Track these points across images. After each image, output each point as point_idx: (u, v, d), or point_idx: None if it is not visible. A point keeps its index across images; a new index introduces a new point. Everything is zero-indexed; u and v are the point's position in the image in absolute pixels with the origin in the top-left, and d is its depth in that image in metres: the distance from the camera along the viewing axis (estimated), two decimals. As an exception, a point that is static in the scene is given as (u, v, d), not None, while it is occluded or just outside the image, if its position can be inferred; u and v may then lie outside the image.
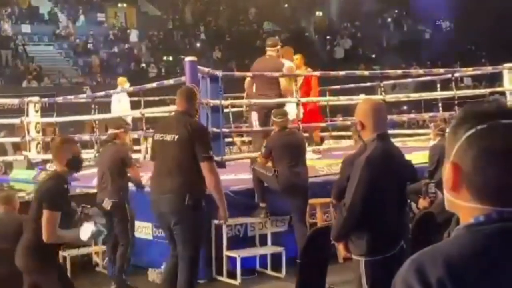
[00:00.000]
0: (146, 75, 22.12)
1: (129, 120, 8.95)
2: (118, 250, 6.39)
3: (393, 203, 3.48)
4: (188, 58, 7.53)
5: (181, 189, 4.93)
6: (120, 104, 10.48)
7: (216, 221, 5.96)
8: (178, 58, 21.46)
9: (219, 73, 8.23)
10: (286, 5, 30.25)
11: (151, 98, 11.13)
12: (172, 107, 9.62)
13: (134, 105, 10.26)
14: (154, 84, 9.51)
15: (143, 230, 7.11)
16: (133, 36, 25.55)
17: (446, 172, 1.39)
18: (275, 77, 8.02)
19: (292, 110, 8.52)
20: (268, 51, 8.46)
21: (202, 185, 5.00)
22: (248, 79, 8.40)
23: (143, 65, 24.00)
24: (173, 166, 5.01)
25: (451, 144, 1.38)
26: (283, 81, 8.22)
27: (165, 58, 24.84)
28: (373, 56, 27.11)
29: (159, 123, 5.84)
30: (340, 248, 3.55)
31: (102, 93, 10.83)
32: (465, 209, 1.37)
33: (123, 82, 11.10)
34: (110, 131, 6.99)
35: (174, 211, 4.97)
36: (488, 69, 12.10)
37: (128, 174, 6.45)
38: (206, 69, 7.96)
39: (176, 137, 4.98)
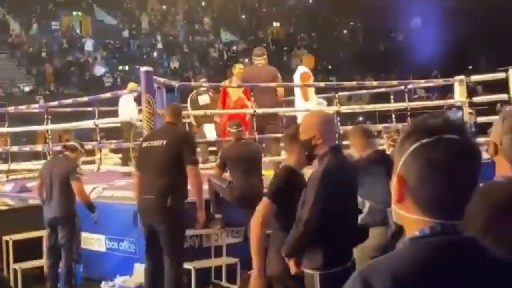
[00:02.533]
0: (101, 85, 21.87)
1: (136, 122, 8.84)
2: (65, 264, 6.30)
3: (348, 215, 3.48)
4: (143, 68, 7.48)
5: (164, 191, 5.22)
6: (128, 109, 10.31)
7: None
8: (134, 67, 21.29)
9: (175, 83, 8.22)
10: (243, 16, 30.35)
11: (106, 108, 10.99)
12: (128, 118, 9.58)
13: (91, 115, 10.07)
14: (108, 94, 9.40)
15: (96, 242, 7.01)
16: (88, 45, 25.25)
17: (393, 184, 1.41)
18: (272, 85, 8.18)
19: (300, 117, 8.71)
20: (256, 60, 8.59)
21: (185, 188, 5.28)
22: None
23: (98, 74, 23.73)
24: (159, 169, 5.32)
25: (398, 157, 1.40)
26: (280, 89, 8.48)
27: (121, 67, 24.61)
28: (329, 67, 27.40)
29: (147, 134, 6.23)
30: (291, 264, 3.48)
31: (56, 102, 10.65)
32: (411, 221, 1.38)
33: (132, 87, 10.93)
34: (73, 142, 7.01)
35: (158, 211, 5.27)
36: (440, 81, 12.35)
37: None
38: (162, 79, 7.93)
39: (165, 141, 5.35)
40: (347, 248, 3.47)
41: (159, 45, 26.91)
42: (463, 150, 1.36)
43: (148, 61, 22.52)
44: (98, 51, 25.02)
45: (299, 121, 8.76)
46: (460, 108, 10.23)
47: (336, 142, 3.58)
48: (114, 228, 6.81)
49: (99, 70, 23.52)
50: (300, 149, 3.82)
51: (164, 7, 29.28)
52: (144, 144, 5.59)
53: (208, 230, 6.54)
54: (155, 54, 26.27)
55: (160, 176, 5.29)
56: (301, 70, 9.32)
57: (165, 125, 5.79)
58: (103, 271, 6.81)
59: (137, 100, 9.90)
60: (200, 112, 9.01)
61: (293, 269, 3.48)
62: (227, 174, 6.61)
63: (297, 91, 9.35)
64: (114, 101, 11.34)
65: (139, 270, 6.00)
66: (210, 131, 9.59)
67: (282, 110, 8.93)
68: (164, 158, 5.33)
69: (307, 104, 8.89)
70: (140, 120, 7.12)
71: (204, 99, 9.83)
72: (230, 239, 6.68)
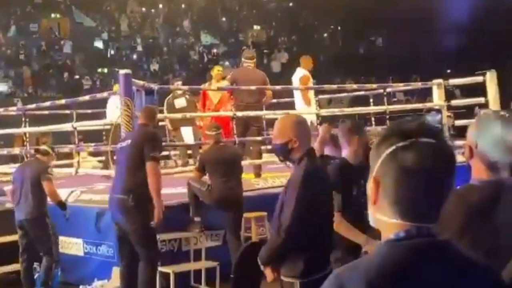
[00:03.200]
0: (80, 87, 21.71)
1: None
2: (45, 265, 6.29)
3: (326, 220, 3.47)
4: (122, 71, 7.44)
5: (126, 190, 5.36)
6: (117, 110, 10.20)
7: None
8: (113, 70, 21.16)
9: (154, 86, 8.19)
10: (223, 19, 30.34)
11: (84, 111, 10.90)
12: (107, 120, 9.52)
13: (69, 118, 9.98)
14: (87, 97, 9.33)
15: (74, 246, 6.96)
16: (67, 47, 25.05)
17: (369, 188, 1.41)
18: (261, 88, 8.18)
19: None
20: (245, 63, 8.60)
21: (146, 187, 5.30)
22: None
23: (77, 76, 23.55)
24: (123, 168, 5.53)
25: (374, 161, 1.41)
26: (269, 92, 8.61)
27: (99, 70, 24.46)
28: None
29: (123, 136, 6.34)
30: (268, 271, 3.42)
31: (33, 105, 10.55)
32: (387, 224, 1.39)
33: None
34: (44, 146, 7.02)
35: (121, 211, 5.41)
36: (418, 84, 12.43)
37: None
38: (141, 82, 7.90)
39: (130, 141, 5.52)
40: (326, 253, 3.45)
41: (139, 48, 26.79)
42: (438, 153, 1.36)
43: (127, 63, 22.37)
44: (77, 54, 24.84)
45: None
46: (439, 111, 10.31)
47: (311, 145, 3.55)
48: (92, 232, 6.76)
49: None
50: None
51: (143, 9, 29.15)
52: (118, 146, 5.81)
53: (187, 234, 6.52)
54: (134, 56, 26.15)
55: (124, 176, 5.47)
56: (300, 73, 9.36)
57: (138, 127, 5.94)
58: (81, 275, 6.77)
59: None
60: (178, 115, 8.99)
61: (270, 277, 3.42)
62: (206, 177, 6.60)
63: (296, 94, 9.42)
64: (93, 104, 11.25)
65: (117, 274, 5.95)
66: (187, 134, 9.56)
67: (262, 113, 8.91)
68: (128, 157, 5.49)
69: (308, 108, 8.99)
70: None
71: (180, 102, 9.80)
72: (209, 243, 6.66)
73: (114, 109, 10.06)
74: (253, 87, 8.32)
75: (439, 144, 1.37)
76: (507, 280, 1.47)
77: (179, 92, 9.90)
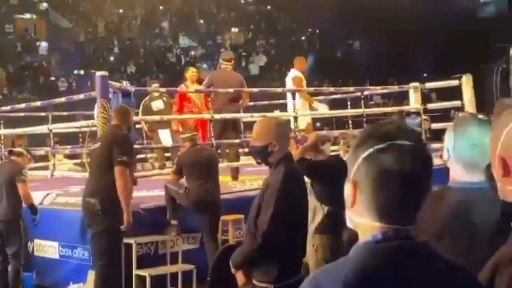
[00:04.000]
0: (56, 89, 21.51)
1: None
2: (12, 269, 6.25)
3: (302, 226, 3.47)
4: (99, 73, 7.38)
5: (94, 193, 5.37)
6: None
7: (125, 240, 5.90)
8: (90, 72, 21.00)
9: (131, 88, 8.15)
10: (201, 21, 30.29)
11: (60, 113, 10.81)
12: (83, 122, 9.45)
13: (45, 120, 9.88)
14: (63, 99, 9.24)
15: (50, 249, 6.89)
16: (43, 48, 24.81)
17: (347, 190, 1.41)
18: (238, 91, 8.17)
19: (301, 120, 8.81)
20: (223, 64, 8.58)
21: (114, 191, 5.24)
22: (203, 95, 8.49)
23: (53, 78, 23.33)
24: (92, 172, 5.59)
25: (351, 163, 1.41)
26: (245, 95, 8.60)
27: (76, 72, 24.26)
28: (288, 73, 27.53)
29: (97, 138, 6.37)
30: (240, 275, 3.40)
31: (8, 107, 10.42)
32: (364, 226, 1.39)
33: None
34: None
35: (87, 215, 5.45)
36: (395, 88, 12.53)
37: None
38: (118, 84, 7.85)
39: (99, 144, 5.51)
40: (300, 258, 3.44)
41: (116, 49, 26.64)
42: (415, 156, 1.36)
43: (104, 65, 22.23)
44: (53, 55, 24.62)
45: (292, 125, 8.90)
46: (418, 114, 10.39)
47: (289, 149, 3.54)
48: (68, 235, 6.70)
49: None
50: None
51: (121, 10, 28.99)
52: (91, 147, 5.81)
53: (164, 237, 6.49)
54: (111, 58, 25.99)
55: (93, 178, 5.50)
56: (293, 74, 9.43)
57: (110, 128, 5.94)
58: (56, 278, 6.72)
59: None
60: (156, 118, 8.95)
61: (241, 281, 3.39)
62: (184, 180, 6.57)
63: (289, 95, 9.47)
64: (69, 106, 11.16)
65: (93, 277, 5.90)
66: (165, 137, 9.51)
67: (240, 116, 8.90)
68: (97, 160, 5.51)
69: (302, 109, 9.04)
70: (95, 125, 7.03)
71: (157, 104, 9.77)
72: (186, 246, 6.64)
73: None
74: (230, 90, 8.31)
75: (416, 147, 1.38)
76: (482, 282, 1.48)
77: (156, 94, 9.86)
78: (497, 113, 3.32)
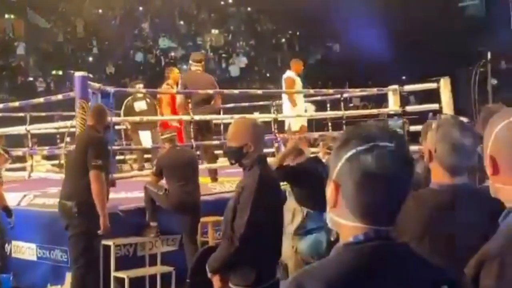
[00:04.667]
0: (34, 90, 21.31)
1: None
2: None
3: (278, 228, 3.46)
4: (78, 73, 7.33)
5: (70, 196, 5.35)
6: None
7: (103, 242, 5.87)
8: (68, 72, 20.85)
9: (110, 89, 8.11)
10: (181, 22, 30.20)
11: (38, 114, 10.71)
12: (61, 123, 9.37)
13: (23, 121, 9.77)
14: (41, 99, 9.16)
15: (27, 251, 6.82)
16: (21, 48, 24.57)
17: (329, 191, 1.42)
18: (211, 93, 8.14)
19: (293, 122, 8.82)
20: (193, 66, 8.51)
21: (91, 193, 5.25)
22: (181, 96, 8.41)
23: (31, 79, 23.12)
24: (68, 174, 5.56)
25: (333, 164, 1.41)
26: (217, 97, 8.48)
27: (54, 72, 24.07)
28: (268, 75, 27.54)
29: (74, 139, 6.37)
30: (216, 280, 3.37)
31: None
32: (346, 227, 1.40)
33: None
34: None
35: (63, 217, 5.43)
36: (374, 90, 12.60)
37: None
38: (97, 85, 7.80)
39: (74, 146, 5.54)
40: (275, 260, 3.44)
41: (95, 50, 26.47)
42: (397, 157, 1.38)
43: (83, 66, 22.06)
44: (31, 55, 24.40)
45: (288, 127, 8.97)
46: (400, 116, 10.46)
47: (263, 151, 3.54)
48: (46, 236, 6.64)
49: None
50: None
51: (100, 11, 28.80)
52: (67, 149, 5.88)
53: (142, 239, 6.46)
54: (90, 59, 25.81)
55: (69, 181, 5.48)
56: (286, 75, 9.51)
57: (85, 129, 5.91)
58: (33, 280, 6.66)
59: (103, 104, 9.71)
60: (135, 118, 8.91)
61: (217, 285, 3.36)
62: (164, 182, 6.55)
63: (285, 97, 9.51)
64: (47, 107, 11.05)
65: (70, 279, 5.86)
66: (146, 138, 9.47)
67: (220, 117, 8.88)
68: (73, 162, 5.52)
69: (295, 110, 9.06)
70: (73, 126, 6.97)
71: (140, 105, 9.71)
72: (165, 248, 6.61)
73: None
74: (210, 91, 8.30)
75: (398, 149, 1.39)
76: (468, 277, 1.51)
77: (140, 95, 9.81)
78: (483, 117, 3.39)
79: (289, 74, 9.66)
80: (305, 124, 9.90)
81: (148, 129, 9.48)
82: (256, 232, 3.21)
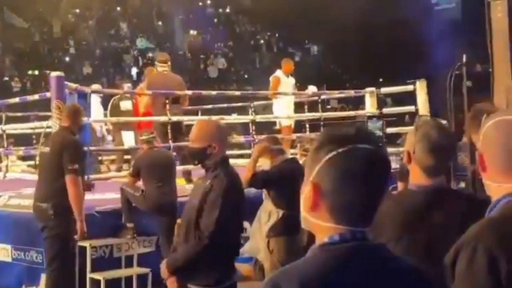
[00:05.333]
0: (10, 89, 21.09)
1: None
2: None
3: (240, 228, 3.54)
4: (54, 73, 7.27)
5: (46, 198, 5.30)
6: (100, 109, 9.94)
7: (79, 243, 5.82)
8: (45, 72, 20.67)
9: (87, 89, 8.07)
10: (160, 23, 30.08)
11: (14, 114, 10.60)
12: (37, 123, 9.29)
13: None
14: (17, 99, 9.07)
15: (1, 252, 6.74)
16: (-4, 48, 24.31)
17: (306, 192, 1.42)
18: (180, 94, 8.10)
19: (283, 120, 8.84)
20: (160, 67, 8.46)
21: (67, 196, 5.20)
22: (147, 98, 8.37)
23: (7, 78, 22.88)
24: (43, 176, 5.49)
25: (312, 165, 1.42)
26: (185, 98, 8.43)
27: (30, 72, 23.84)
28: (246, 76, 27.56)
29: (46, 140, 6.29)
30: (171, 281, 3.36)
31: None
32: (322, 228, 1.40)
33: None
34: None
35: (39, 219, 5.39)
36: (351, 92, 12.67)
37: None
38: (74, 85, 7.76)
39: (49, 149, 5.41)
40: (234, 261, 3.48)
41: (72, 50, 26.25)
42: (376, 159, 1.40)
43: (59, 66, 21.87)
44: (6, 55, 24.14)
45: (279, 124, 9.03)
46: (379, 118, 10.54)
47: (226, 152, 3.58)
48: (21, 238, 6.57)
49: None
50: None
51: (77, 11, 28.57)
52: (41, 149, 5.76)
53: (119, 240, 6.42)
54: (67, 59, 25.60)
55: (45, 183, 5.43)
56: (273, 75, 9.60)
57: (58, 130, 5.84)
58: (8, 281, 6.58)
59: (103, 103, 9.63)
60: (113, 119, 8.87)
61: (173, 287, 3.35)
62: (141, 183, 6.52)
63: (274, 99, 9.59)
64: (23, 107, 10.95)
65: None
66: (128, 138, 9.42)
67: (197, 118, 8.87)
68: (47, 164, 5.44)
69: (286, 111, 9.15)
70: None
71: (126, 104, 9.68)
72: (141, 249, 6.57)
73: (96, 108, 9.80)
74: (189, 92, 8.29)
75: (376, 150, 1.41)
76: (447, 265, 1.58)
77: (127, 94, 9.79)
78: (472, 116, 3.45)
79: (277, 73, 9.72)
80: (290, 125, 9.95)
81: (132, 130, 9.43)
82: (223, 231, 3.25)
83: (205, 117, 8.87)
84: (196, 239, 3.28)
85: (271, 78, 9.77)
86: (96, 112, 9.87)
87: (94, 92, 9.64)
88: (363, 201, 1.39)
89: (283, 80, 9.81)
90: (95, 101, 9.77)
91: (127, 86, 10.15)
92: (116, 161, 10.12)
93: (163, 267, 3.43)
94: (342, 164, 1.38)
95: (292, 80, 10.10)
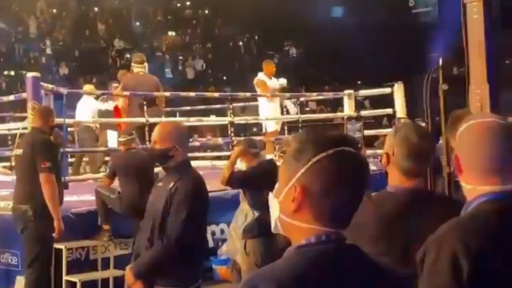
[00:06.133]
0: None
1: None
2: None
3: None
4: (30, 74, 7.20)
5: (23, 199, 5.31)
6: (85, 112, 9.81)
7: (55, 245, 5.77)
8: (21, 73, 20.48)
9: (63, 90, 8.00)
10: (137, 23, 29.94)
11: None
12: (13, 125, 9.18)
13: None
14: (-8, 100, 8.97)
15: (-25, 255, 6.65)
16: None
17: (286, 195, 1.41)
18: (154, 95, 8.05)
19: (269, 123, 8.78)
20: (136, 68, 8.41)
21: (43, 197, 5.21)
22: (123, 99, 8.31)
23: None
24: (20, 178, 5.49)
25: (294, 167, 1.40)
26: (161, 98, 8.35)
27: (6, 72, 23.58)
28: (224, 78, 27.54)
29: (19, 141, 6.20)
30: (138, 285, 3.30)
31: None
32: (301, 230, 1.40)
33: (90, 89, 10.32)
34: None
35: (19, 221, 5.37)
36: (330, 94, 12.73)
37: None
38: (50, 86, 7.69)
39: (22, 150, 5.39)
40: (202, 261, 3.55)
41: (48, 51, 26.01)
42: (359, 162, 1.42)
43: (36, 66, 21.66)
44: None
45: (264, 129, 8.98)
46: (359, 119, 10.58)
47: (188, 154, 3.59)
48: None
49: None
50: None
51: (54, 11, 28.32)
52: (14, 151, 5.76)
53: (95, 242, 6.37)
54: (43, 59, 25.36)
55: (22, 184, 5.42)
56: (256, 78, 9.53)
57: (31, 131, 5.79)
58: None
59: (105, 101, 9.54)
60: (89, 121, 8.81)
61: None
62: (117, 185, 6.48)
63: (260, 100, 9.53)
64: (-1, 107, 10.82)
65: (21, 283, 5.75)
66: (113, 138, 9.35)
67: (176, 120, 8.83)
68: (22, 166, 5.43)
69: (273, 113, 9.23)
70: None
71: (106, 105, 9.62)
72: (118, 251, 6.53)
73: (85, 110, 9.68)
74: (166, 93, 8.25)
75: (358, 153, 1.43)
76: (417, 261, 1.62)
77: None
78: (451, 121, 3.51)
79: (260, 76, 9.62)
80: (277, 128, 9.89)
81: (116, 130, 9.36)
82: (190, 234, 3.25)
83: (172, 119, 8.76)
84: (163, 242, 3.26)
85: (255, 82, 9.63)
86: (83, 112, 9.75)
87: (87, 93, 9.59)
88: (349, 203, 1.41)
89: (268, 82, 9.75)
90: (86, 103, 9.65)
91: (114, 85, 10.08)
92: (93, 162, 10.03)
93: (128, 273, 3.39)
94: (332, 166, 1.38)
95: (275, 82, 10.04)
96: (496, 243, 1.56)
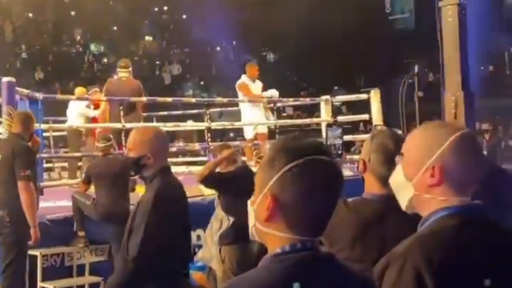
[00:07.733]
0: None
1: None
2: None
3: (180, 241, 3.16)
4: (5, 79, 7.12)
5: (1, 205, 5.24)
6: (75, 116, 9.68)
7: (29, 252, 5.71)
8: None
9: (39, 95, 7.94)
10: (114, 28, 29.80)
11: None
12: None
13: None
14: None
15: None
16: None
17: (259, 203, 1.41)
18: (135, 100, 7.99)
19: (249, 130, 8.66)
20: (121, 72, 8.37)
21: (20, 203, 5.15)
22: (105, 104, 8.26)
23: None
24: None
25: (267, 176, 1.40)
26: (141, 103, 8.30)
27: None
28: (202, 83, 27.53)
29: None
30: None
31: None
32: (276, 238, 1.40)
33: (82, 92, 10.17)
34: None
35: None
36: (307, 100, 12.77)
37: None
38: (26, 91, 7.61)
39: (0, 156, 5.30)
40: (179, 275, 3.18)
41: (24, 55, 25.78)
42: (333, 170, 1.41)
43: (11, 71, 21.46)
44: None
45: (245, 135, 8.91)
46: (339, 125, 10.60)
47: (167, 161, 3.28)
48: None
49: None
50: None
51: (30, 14, 28.09)
52: None
53: (70, 248, 6.31)
54: (18, 64, 25.12)
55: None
56: (239, 81, 9.45)
57: (9, 136, 5.75)
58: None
59: (88, 107, 9.44)
60: (64, 126, 8.75)
61: None
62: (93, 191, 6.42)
63: (242, 104, 9.48)
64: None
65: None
66: None
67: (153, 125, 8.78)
68: (0, 172, 5.35)
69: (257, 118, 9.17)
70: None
71: (87, 110, 9.54)
72: (93, 258, 6.46)
73: (73, 114, 9.55)
74: (144, 98, 8.22)
75: (333, 162, 1.42)
76: (375, 276, 1.59)
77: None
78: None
79: (243, 79, 9.58)
80: (264, 131, 9.81)
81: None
82: (151, 252, 2.95)
83: (148, 124, 8.70)
84: (123, 263, 3.03)
85: (238, 86, 9.59)
86: (72, 116, 9.65)
87: (78, 98, 9.49)
88: (324, 212, 1.41)
89: (251, 86, 9.69)
90: (76, 106, 9.54)
91: (93, 90, 10.00)
92: (66, 169, 9.94)
93: None
94: (303, 176, 1.37)
95: (259, 84, 9.98)
96: (459, 257, 1.56)
